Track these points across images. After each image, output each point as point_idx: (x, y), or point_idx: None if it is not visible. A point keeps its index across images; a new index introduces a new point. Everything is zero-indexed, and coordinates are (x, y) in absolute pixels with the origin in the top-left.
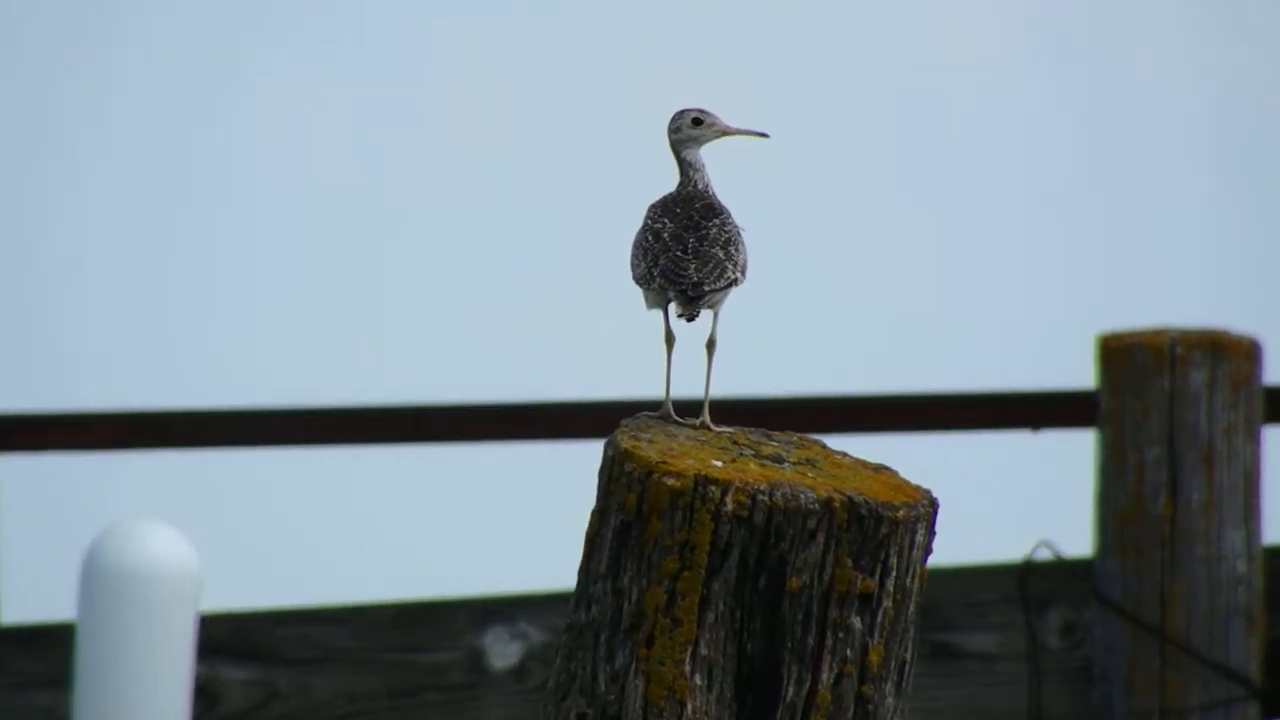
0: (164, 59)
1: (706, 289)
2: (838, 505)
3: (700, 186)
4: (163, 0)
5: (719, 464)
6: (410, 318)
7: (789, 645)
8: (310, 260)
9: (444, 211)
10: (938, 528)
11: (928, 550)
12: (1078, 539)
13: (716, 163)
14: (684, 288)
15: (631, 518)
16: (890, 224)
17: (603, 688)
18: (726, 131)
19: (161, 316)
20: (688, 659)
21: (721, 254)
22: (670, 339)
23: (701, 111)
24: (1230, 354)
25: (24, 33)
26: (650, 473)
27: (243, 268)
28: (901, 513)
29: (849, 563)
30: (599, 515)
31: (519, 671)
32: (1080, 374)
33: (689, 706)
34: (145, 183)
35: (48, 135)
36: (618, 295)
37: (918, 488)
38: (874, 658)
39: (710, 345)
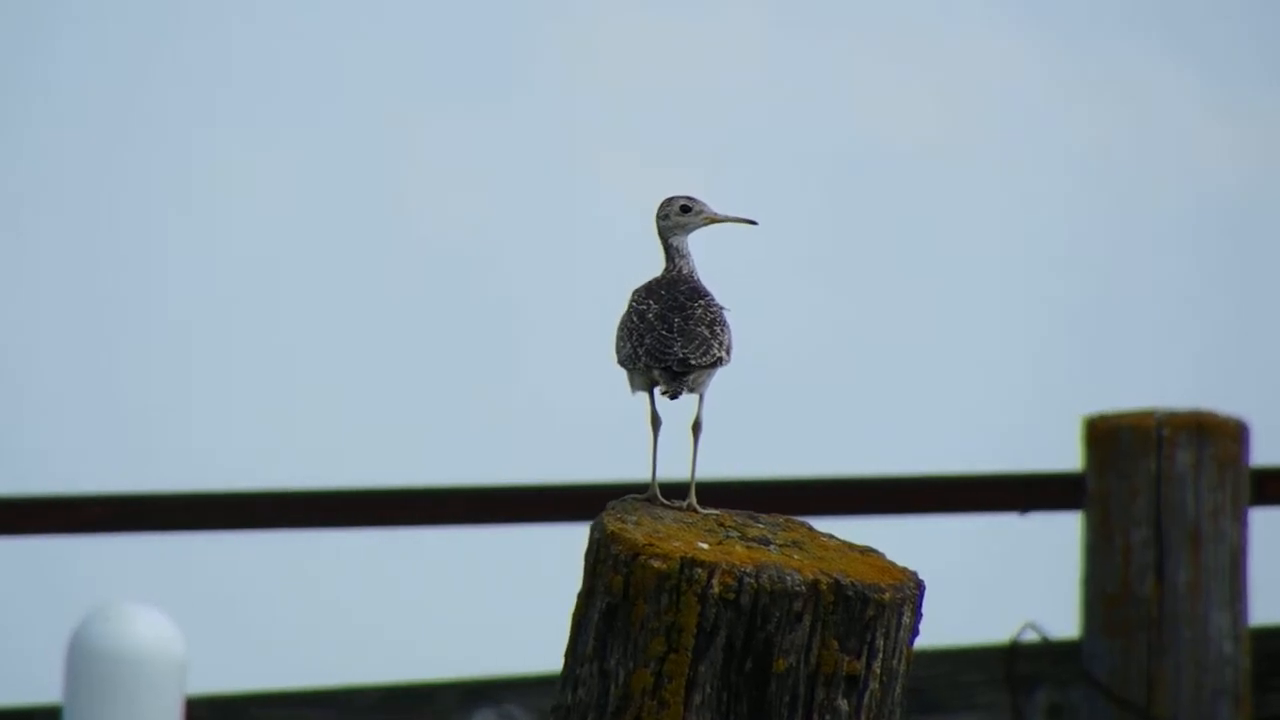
0: (120, 144)
1: (693, 363)
2: (824, 587)
3: (685, 272)
4: (122, 87)
5: (705, 546)
6: (394, 402)
7: None
8: (289, 346)
9: (421, 295)
10: (924, 609)
11: (914, 632)
12: (1064, 620)
13: (703, 246)
14: (669, 364)
15: (618, 600)
16: (876, 309)
17: None
18: (714, 219)
19: (144, 401)
20: None
21: (707, 332)
22: (656, 421)
23: (690, 199)
24: (1216, 435)
25: None
26: (637, 555)
27: (225, 354)
28: (888, 594)
29: (835, 644)
30: (585, 597)
31: None
32: (1066, 456)
33: None
34: (125, 269)
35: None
36: (603, 378)
37: (904, 569)
38: None
39: (696, 427)
